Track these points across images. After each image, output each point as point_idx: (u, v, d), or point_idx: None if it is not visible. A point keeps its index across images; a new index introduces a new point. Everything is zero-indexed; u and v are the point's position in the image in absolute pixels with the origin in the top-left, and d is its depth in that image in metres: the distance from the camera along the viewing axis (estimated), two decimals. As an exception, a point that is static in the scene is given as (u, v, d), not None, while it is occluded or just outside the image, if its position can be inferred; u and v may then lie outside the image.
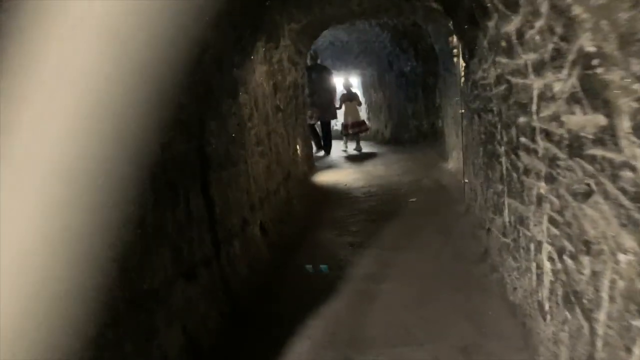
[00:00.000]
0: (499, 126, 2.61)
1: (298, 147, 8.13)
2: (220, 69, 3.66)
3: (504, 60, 2.10)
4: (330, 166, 9.63)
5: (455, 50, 6.53)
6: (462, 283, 3.54)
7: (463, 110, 5.34)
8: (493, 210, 3.38)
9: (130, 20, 2.14)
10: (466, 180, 5.48)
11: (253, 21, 4.90)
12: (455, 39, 6.40)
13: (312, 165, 9.18)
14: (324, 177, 8.31)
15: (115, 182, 2.16)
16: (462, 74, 5.37)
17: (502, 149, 2.63)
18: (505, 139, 2.46)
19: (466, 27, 3.05)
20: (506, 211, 2.79)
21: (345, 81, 12.39)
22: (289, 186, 6.70)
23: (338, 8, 6.41)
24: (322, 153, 11.34)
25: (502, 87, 2.30)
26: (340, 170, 9.13)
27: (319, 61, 11.43)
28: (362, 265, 4.10)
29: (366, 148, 11.95)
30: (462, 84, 5.06)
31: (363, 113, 14.40)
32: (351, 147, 11.87)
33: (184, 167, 3.02)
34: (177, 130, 2.93)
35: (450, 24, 6.23)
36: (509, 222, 2.77)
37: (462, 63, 6.24)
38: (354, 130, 12.09)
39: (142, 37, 2.17)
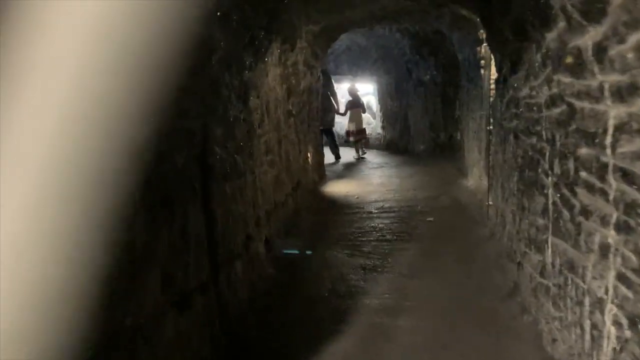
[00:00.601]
0: (547, 153, 2.27)
1: (309, 154, 7.82)
2: (230, 71, 3.36)
3: (566, 79, 1.77)
4: (341, 176, 9.31)
5: (483, 62, 6.20)
6: (488, 322, 3.19)
7: (491, 127, 4.99)
8: (527, 243, 3.03)
9: (127, 16, 1.86)
10: (490, 202, 5.13)
11: (268, 20, 4.60)
12: (483, 49, 6.07)
13: (323, 174, 8.86)
14: (334, 188, 7.98)
15: (101, 198, 1.86)
16: (492, 87, 5.03)
17: (549, 180, 2.30)
18: (556, 170, 2.13)
19: (510, 37, 2.72)
20: (549, 251, 2.45)
21: (350, 87, 12.10)
22: (297, 196, 6.39)
23: (359, 11, 6.10)
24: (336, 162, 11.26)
25: (559, 110, 1.97)
26: (351, 180, 8.80)
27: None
28: (376, 294, 3.76)
29: (379, 158, 11.62)
30: (492, 99, 4.72)
31: (378, 121, 14.10)
32: (356, 154, 11.89)
33: (183, 180, 2.71)
34: (177, 138, 2.62)
35: (481, 32, 5.91)
36: (552, 263, 2.43)
37: (491, 75, 5.91)
38: (357, 137, 11.91)
39: (138, 33, 1.87)
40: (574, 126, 1.83)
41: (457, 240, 4.97)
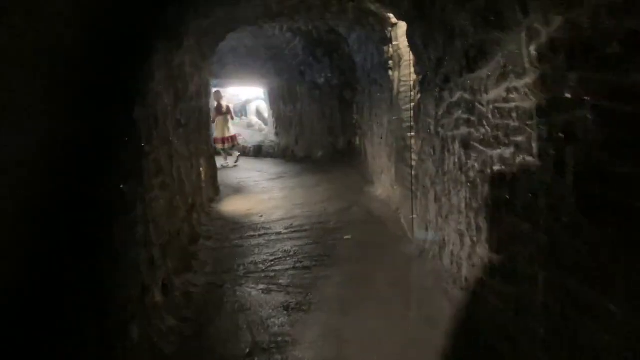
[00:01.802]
0: (543, 175, 1.88)
1: (202, 169, 7.02)
2: (104, 73, 2.57)
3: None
4: (238, 190, 8.59)
5: (391, 63, 5.93)
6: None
7: (412, 133, 4.68)
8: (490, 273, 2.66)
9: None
10: (415, 216, 4.82)
11: (151, 12, 3.82)
12: (392, 49, 5.80)
13: (218, 190, 8.08)
14: (233, 205, 7.26)
15: None
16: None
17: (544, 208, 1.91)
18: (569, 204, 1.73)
19: (470, 28, 2.33)
20: (540, 286, 2.06)
21: (215, 93, 11.33)
22: (193, 221, 5.59)
23: (255, 3, 5.49)
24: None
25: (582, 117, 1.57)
26: (251, 194, 8.13)
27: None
28: (308, 343, 3.18)
29: (277, 167, 11.08)
30: (416, 102, 4.39)
31: (270, 128, 13.54)
32: (231, 161, 11.68)
33: (52, 229, 1.91)
34: (32, 170, 1.82)
35: (389, 30, 5.62)
36: (544, 303, 2.04)
37: (401, 77, 5.64)
38: (223, 145, 11.48)
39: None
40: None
41: (384, 260, 4.58)
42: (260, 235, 5.69)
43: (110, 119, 2.60)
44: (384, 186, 7.04)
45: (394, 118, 5.81)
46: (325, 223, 5.98)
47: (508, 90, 2.03)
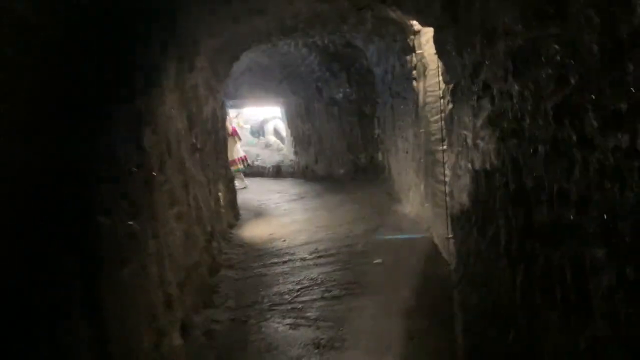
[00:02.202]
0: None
1: (220, 193, 6.80)
2: (109, 101, 2.34)
3: None
4: (258, 213, 8.33)
5: (414, 73, 5.65)
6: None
7: (444, 147, 4.37)
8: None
9: None
10: (451, 236, 4.48)
11: (162, 32, 3.62)
12: (415, 58, 5.52)
13: (238, 214, 7.84)
14: (254, 230, 7.00)
15: None
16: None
17: None
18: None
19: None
20: None
21: None
22: (213, 250, 5.34)
23: (269, 19, 5.28)
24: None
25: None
26: (272, 217, 7.87)
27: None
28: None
29: (297, 187, 10.82)
30: (447, 113, 4.09)
31: (289, 147, 13.34)
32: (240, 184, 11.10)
33: (50, 281, 1.66)
34: (30, 210, 1.57)
35: (412, 39, 5.35)
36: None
37: (427, 87, 5.35)
38: (236, 166, 11.26)
39: None
40: None
41: (420, 286, 4.24)
42: (284, 262, 5.40)
43: (116, 150, 2.35)
44: (413, 204, 6.71)
45: (421, 131, 5.51)
46: (352, 246, 5.67)
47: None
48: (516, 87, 2.26)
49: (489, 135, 2.92)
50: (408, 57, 5.66)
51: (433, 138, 5.44)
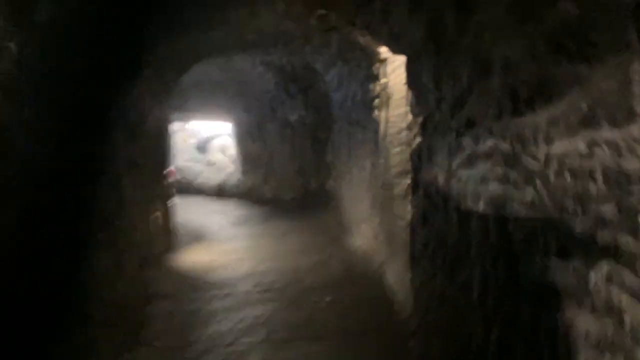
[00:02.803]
0: None
1: (158, 214, 6.30)
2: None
3: None
4: (198, 237, 7.84)
5: (377, 101, 5.46)
6: None
7: (409, 181, 4.14)
8: None
9: None
10: (409, 277, 4.23)
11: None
12: (379, 87, 5.34)
13: (175, 237, 7.31)
14: (193, 257, 6.51)
15: None
16: (413, 132, 4.19)
17: None
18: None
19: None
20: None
21: None
22: (145, 279, 4.85)
23: (230, 31, 4.96)
24: None
25: None
26: (213, 243, 7.41)
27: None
28: None
29: (241, 210, 10.39)
30: (415, 147, 3.87)
31: (237, 166, 12.89)
32: None
33: None
34: None
35: (377, 67, 5.16)
36: None
37: (389, 117, 5.16)
38: None
39: None
40: None
41: (376, 332, 3.94)
42: (225, 295, 4.97)
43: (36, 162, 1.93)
44: (365, 237, 6.46)
45: (380, 162, 5.29)
46: (299, 281, 5.32)
47: (591, 143, 1.51)
48: (512, 128, 2.04)
49: (467, 176, 2.69)
50: (371, 85, 5.47)
51: (393, 171, 5.23)
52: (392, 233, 5.29)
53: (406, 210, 5.27)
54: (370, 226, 6.16)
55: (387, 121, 5.19)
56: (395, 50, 3.94)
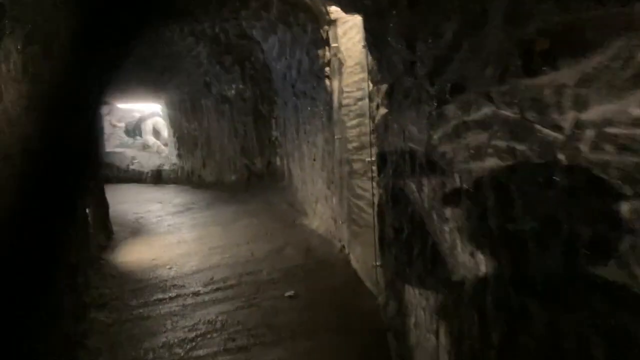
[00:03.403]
0: None
1: (88, 210, 5.67)
2: None
3: None
4: (137, 230, 7.23)
5: (327, 70, 5.04)
6: None
7: (372, 158, 3.79)
8: None
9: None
10: (378, 263, 3.92)
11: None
12: (329, 53, 4.91)
13: (110, 233, 6.69)
14: (132, 254, 5.95)
15: None
16: (376, 103, 3.79)
17: None
18: None
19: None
20: None
21: None
22: (79, 287, 4.29)
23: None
24: None
25: None
26: (154, 236, 6.83)
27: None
28: None
29: (182, 196, 9.78)
30: (378, 120, 3.50)
31: (172, 149, 12.15)
32: None
33: None
34: None
35: (325, 29, 4.71)
36: None
37: (343, 87, 4.77)
38: None
39: None
40: None
41: (345, 328, 3.62)
42: (171, 299, 4.49)
43: None
44: (322, 218, 6.11)
45: (337, 137, 4.91)
46: (255, 273, 4.91)
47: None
48: (523, 91, 1.69)
49: (454, 151, 2.35)
50: (320, 51, 5.04)
51: (350, 146, 4.88)
52: (353, 213, 4.97)
53: (367, 189, 4.95)
54: (328, 206, 5.81)
55: (340, 91, 4.80)
56: (349, 8, 3.52)
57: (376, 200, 4.01)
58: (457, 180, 2.34)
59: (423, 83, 2.54)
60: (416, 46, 2.51)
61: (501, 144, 1.92)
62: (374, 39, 3.23)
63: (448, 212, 2.50)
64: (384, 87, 3.41)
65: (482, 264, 2.21)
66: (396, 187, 3.29)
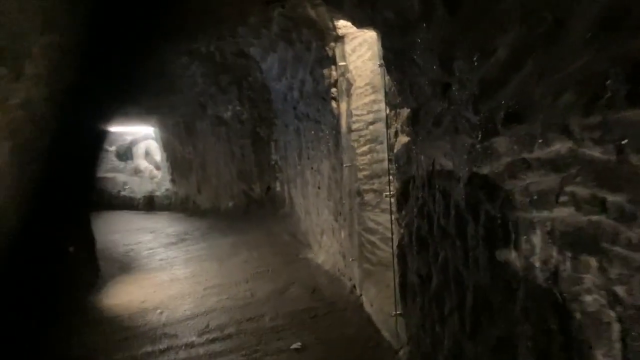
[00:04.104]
0: None
1: (71, 249, 5.25)
2: None
3: None
4: (126, 265, 6.79)
5: (334, 91, 4.66)
6: None
7: (392, 191, 3.38)
8: None
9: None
10: (398, 312, 3.49)
11: None
12: (336, 72, 4.54)
13: (97, 269, 6.23)
14: (120, 295, 5.49)
15: None
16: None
17: None
18: None
19: None
20: None
21: None
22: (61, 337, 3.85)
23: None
24: None
25: None
26: (144, 273, 6.38)
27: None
28: None
29: (175, 225, 9.34)
30: (400, 146, 3.10)
31: (165, 174, 11.73)
32: None
33: None
34: None
35: (332, 46, 4.34)
36: None
37: (352, 109, 4.39)
38: None
39: None
40: None
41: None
42: (162, 351, 4.04)
43: None
44: (328, 252, 5.68)
45: (346, 165, 4.50)
46: (257, 319, 4.46)
47: None
48: (621, 122, 1.29)
49: (506, 193, 1.94)
50: (325, 71, 4.66)
51: (361, 175, 4.47)
52: (366, 249, 4.54)
53: (380, 222, 4.53)
54: (335, 240, 5.38)
55: (349, 114, 4.41)
56: (364, 23, 3.14)
57: (395, 238, 3.59)
58: (512, 229, 1.93)
59: (461, 110, 2.14)
60: (453, 65, 2.12)
61: (582, 191, 1.51)
62: (395, 58, 2.84)
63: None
64: (405, 112, 3.02)
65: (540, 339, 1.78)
66: (422, 228, 2.87)
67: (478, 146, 2.04)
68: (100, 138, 9.22)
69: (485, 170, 2.03)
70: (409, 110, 2.90)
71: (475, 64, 1.93)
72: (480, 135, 2.00)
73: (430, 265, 2.84)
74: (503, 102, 1.82)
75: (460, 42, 2.02)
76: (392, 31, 2.74)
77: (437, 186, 2.52)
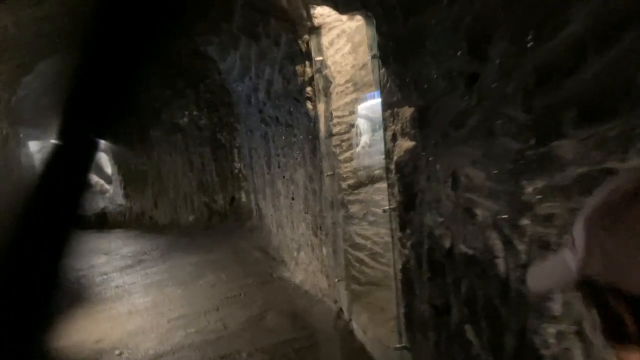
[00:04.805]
0: None
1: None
2: None
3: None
4: (78, 295, 6.12)
5: (309, 90, 4.20)
6: None
7: (393, 205, 2.93)
8: None
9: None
10: (402, 344, 3.04)
11: None
12: (311, 69, 4.08)
13: (43, 305, 5.55)
14: (72, 334, 4.87)
15: None
16: (392, 133, 2.92)
17: None
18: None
19: None
20: None
21: None
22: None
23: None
24: None
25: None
26: (98, 304, 5.75)
27: None
28: None
29: (131, 245, 8.67)
30: (401, 154, 2.65)
31: (117, 188, 11.01)
32: None
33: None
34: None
35: (305, 38, 3.87)
36: None
37: (332, 109, 3.94)
38: None
39: None
40: None
41: None
42: (123, 405, 3.47)
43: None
44: (307, 270, 5.21)
45: (327, 174, 4.04)
46: (231, 357, 3.95)
47: None
48: None
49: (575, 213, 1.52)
50: (298, 68, 4.19)
51: (345, 184, 4.02)
52: (353, 268, 4.10)
53: (368, 236, 4.11)
54: (315, 257, 4.92)
55: (328, 117, 3.96)
56: (351, 6, 2.68)
57: (397, 259, 3.15)
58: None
59: (500, 107, 1.71)
60: (489, 50, 1.69)
61: None
62: (396, 46, 2.39)
63: (557, 306, 1.65)
64: (407, 111, 2.58)
65: None
66: (438, 251, 2.44)
67: (530, 153, 1.61)
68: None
69: (540, 183, 1.60)
70: (412, 109, 2.47)
71: (529, 44, 1.50)
72: (533, 139, 1.57)
73: (448, 295, 2.41)
74: (571, 95, 1.40)
75: (503, 18, 1.59)
76: (392, 13, 2.30)
77: (463, 203, 2.08)
